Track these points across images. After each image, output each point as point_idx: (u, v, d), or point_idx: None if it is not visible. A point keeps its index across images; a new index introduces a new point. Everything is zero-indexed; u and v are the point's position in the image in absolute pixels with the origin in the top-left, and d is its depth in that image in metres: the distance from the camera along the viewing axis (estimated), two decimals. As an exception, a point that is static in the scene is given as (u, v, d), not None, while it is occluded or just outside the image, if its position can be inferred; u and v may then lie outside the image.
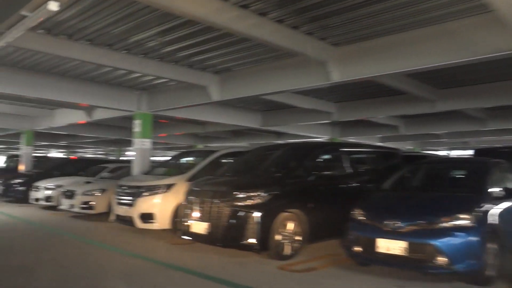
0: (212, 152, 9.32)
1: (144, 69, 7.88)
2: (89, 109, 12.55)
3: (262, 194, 6.32)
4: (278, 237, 6.22)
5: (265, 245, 6.12)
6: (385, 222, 5.26)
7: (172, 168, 10.07)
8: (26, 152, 16.29)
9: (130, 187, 8.64)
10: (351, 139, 17.82)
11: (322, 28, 6.33)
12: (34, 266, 5.61)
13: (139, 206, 8.20)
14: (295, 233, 6.47)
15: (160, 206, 8.13)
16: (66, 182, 12.17)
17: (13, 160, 19.96)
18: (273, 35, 5.92)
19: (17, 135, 19.52)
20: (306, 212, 6.59)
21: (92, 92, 9.98)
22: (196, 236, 6.73)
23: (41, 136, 20.29)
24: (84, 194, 10.36)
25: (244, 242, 6.14)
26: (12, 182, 14.09)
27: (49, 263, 5.84)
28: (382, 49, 6.56)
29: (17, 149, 34.82)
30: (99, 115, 12.54)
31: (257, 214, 6.15)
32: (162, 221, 8.09)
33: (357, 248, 5.45)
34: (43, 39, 6.56)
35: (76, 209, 10.41)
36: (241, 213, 6.23)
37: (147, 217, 8.11)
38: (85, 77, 9.73)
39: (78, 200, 10.36)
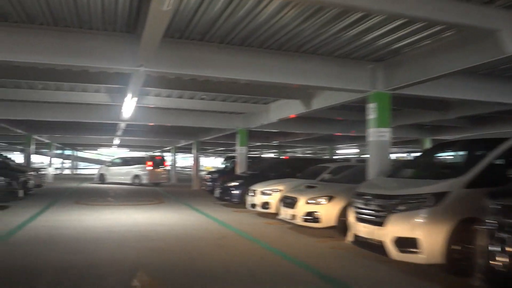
0: (498, 141, 5.84)
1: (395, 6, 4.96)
2: (307, 98, 10.40)
3: None
4: None
5: None
6: None
7: (429, 169, 6.98)
8: (241, 152, 15.41)
9: (376, 196, 5.89)
10: None
11: None
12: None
13: (394, 227, 5.39)
14: None
15: (427, 227, 5.16)
16: (284, 186, 10.32)
17: (230, 161, 19.86)
18: None
19: (232, 135, 19.33)
20: None
21: (312, 69, 7.62)
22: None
23: (254, 136, 19.72)
24: (307, 202, 8.14)
25: None
26: (229, 185, 13.15)
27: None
28: None
29: (234, 150, 37.01)
30: (318, 103, 10.25)
31: None
32: (431, 252, 5.10)
33: None
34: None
35: (297, 221, 8.28)
36: None
37: (406, 243, 5.24)
38: (303, 50, 7.44)
39: (300, 209, 8.21)
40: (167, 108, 14.14)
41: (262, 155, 30.96)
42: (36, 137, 22.24)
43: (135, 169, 23.84)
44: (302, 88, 10.23)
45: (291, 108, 11.55)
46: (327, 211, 7.92)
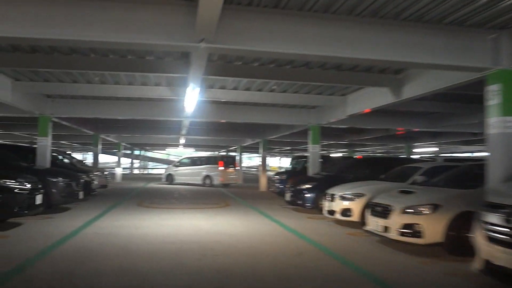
0: None
1: None
2: (396, 84, 8.69)
3: None
4: None
5: None
6: None
7: None
8: (313, 151, 13.89)
9: (523, 209, 4.19)
10: None
11: None
12: None
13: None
14: None
15: None
16: (368, 190, 8.78)
17: (298, 161, 18.42)
18: None
19: (300, 133, 17.95)
20: None
21: (414, 41, 5.92)
22: None
23: (324, 134, 18.12)
24: (405, 211, 6.51)
25: None
26: (301, 187, 11.72)
27: None
28: None
29: (300, 150, 35.20)
30: (411, 91, 8.46)
31: None
32: None
33: None
34: None
35: (391, 234, 6.66)
36: None
37: None
38: (403, 18, 5.81)
39: (395, 220, 6.58)
40: (233, 102, 13.04)
41: (330, 155, 29.03)
42: (103, 136, 22.26)
43: (206, 169, 22.85)
44: (392, 72, 8.58)
45: (374, 99, 9.88)
46: (432, 223, 6.25)
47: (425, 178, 8.49)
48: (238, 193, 18.51)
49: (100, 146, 21.07)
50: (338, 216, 9.16)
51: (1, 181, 7.55)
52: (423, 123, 15.42)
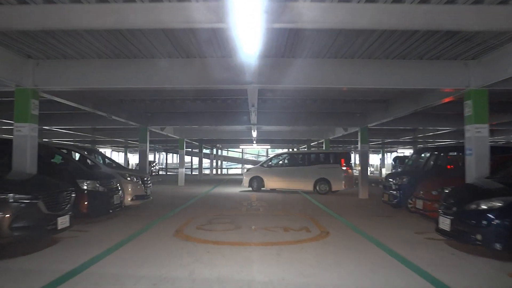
0: None
1: None
2: None
3: None
4: None
5: None
6: None
7: None
8: (478, 135, 7.73)
9: None
10: None
11: None
12: None
13: None
14: None
15: None
16: None
17: (424, 156, 12.28)
18: None
19: (406, 118, 12.08)
20: None
21: None
22: None
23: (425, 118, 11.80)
24: None
25: None
26: (480, 207, 5.79)
27: None
28: None
29: (395, 143, 27.37)
30: None
31: None
32: None
33: None
34: None
35: None
36: None
37: None
38: None
39: None
40: (333, 52, 7.42)
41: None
42: (155, 130, 17.67)
43: (320, 171, 16.87)
44: None
45: None
46: None
47: None
48: (333, 204, 12.77)
49: (148, 143, 16.34)
50: None
51: None
52: None
